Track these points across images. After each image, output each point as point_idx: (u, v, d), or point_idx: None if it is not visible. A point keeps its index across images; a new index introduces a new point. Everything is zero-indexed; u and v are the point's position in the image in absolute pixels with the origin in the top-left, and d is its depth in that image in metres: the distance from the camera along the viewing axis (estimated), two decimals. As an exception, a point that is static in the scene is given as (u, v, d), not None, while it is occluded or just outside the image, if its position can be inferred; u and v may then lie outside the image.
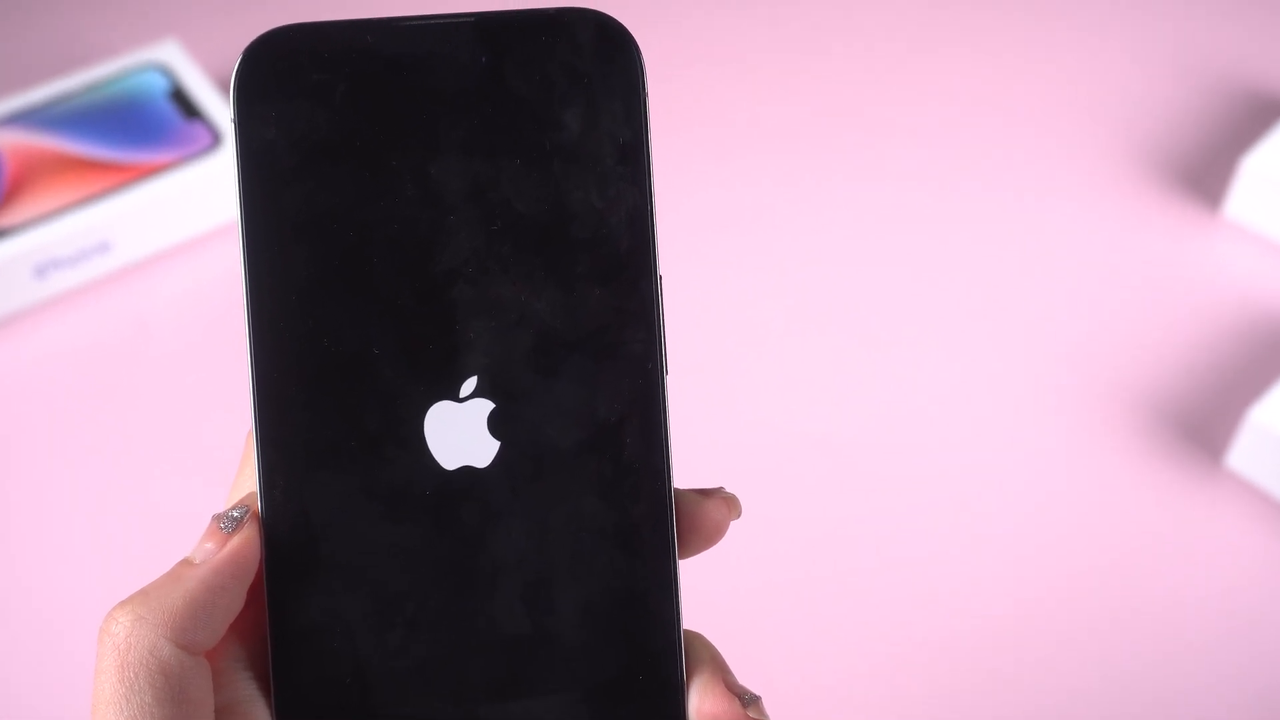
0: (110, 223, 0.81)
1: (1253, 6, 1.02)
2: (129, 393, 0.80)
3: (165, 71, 0.89)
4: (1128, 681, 0.68)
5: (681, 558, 0.36)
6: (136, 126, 0.86)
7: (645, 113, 0.35)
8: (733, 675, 0.36)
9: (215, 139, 0.85)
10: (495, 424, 0.35)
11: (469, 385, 0.35)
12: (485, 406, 0.35)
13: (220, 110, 0.86)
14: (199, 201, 0.85)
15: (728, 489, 0.37)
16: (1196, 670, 0.68)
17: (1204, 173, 0.90)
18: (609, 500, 0.35)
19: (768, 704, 0.35)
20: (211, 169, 0.84)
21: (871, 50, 0.99)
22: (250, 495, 0.35)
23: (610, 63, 0.35)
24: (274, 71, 0.35)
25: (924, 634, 0.70)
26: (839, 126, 0.94)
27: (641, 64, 0.35)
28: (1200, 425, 0.76)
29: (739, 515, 0.37)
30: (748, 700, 0.35)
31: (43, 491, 0.75)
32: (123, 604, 0.32)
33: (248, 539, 0.34)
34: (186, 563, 0.33)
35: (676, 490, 0.36)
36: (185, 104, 0.87)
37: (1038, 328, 0.82)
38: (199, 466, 0.75)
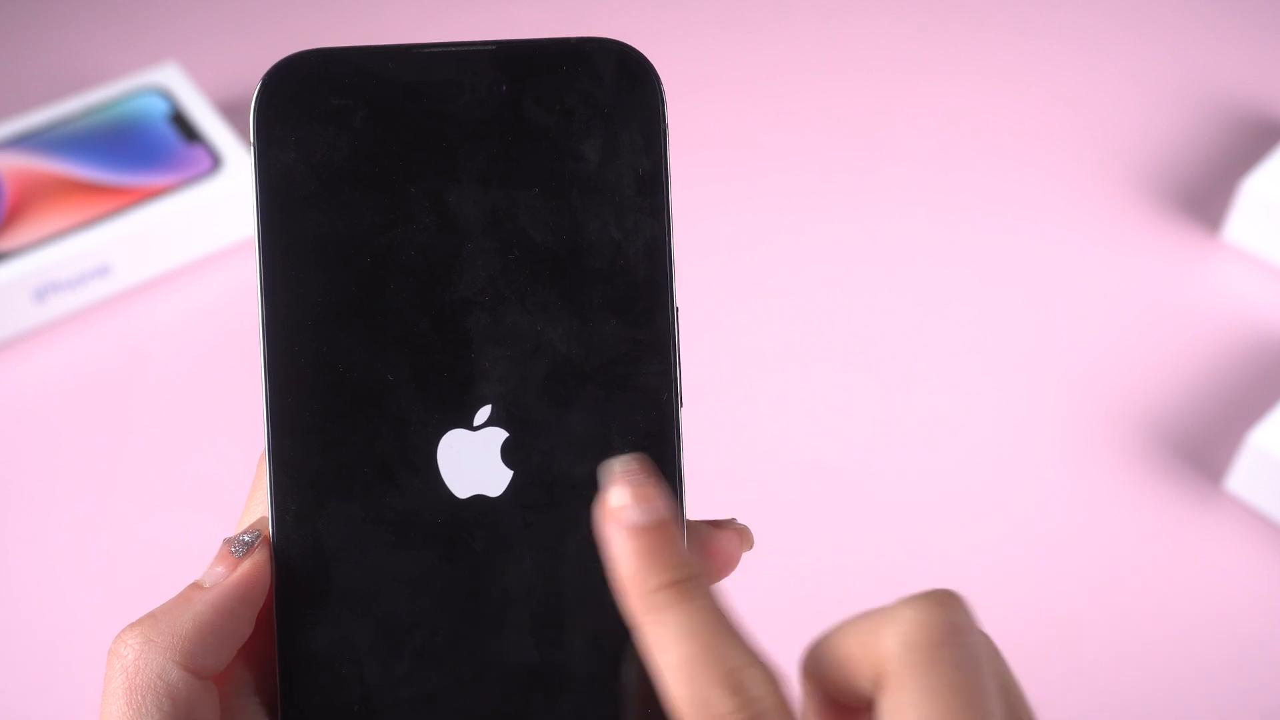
0: (110, 246, 0.81)
1: (1252, 30, 1.03)
2: (127, 417, 0.79)
3: (165, 94, 0.89)
4: (1127, 706, 0.68)
5: None
6: (136, 150, 0.86)
7: (666, 144, 0.35)
8: None
9: (215, 162, 0.85)
10: (509, 453, 0.35)
11: (483, 414, 0.35)
12: (499, 435, 0.35)
13: (220, 133, 0.87)
14: (199, 225, 0.85)
15: (740, 520, 0.37)
16: (1197, 695, 0.68)
17: (1204, 196, 0.90)
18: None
19: None
20: (211, 193, 0.84)
21: (875, 76, 1.00)
22: (261, 520, 0.35)
23: (631, 94, 0.35)
24: (293, 96, 0.35)
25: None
26: (844, 152, 0.94)
27: (662, 95, 0.35)
28: (1200, 448, 0.76)
29: (751, 547, 0.36)
30: None
31: (40, 515, 0.75)
32: (132, 626, 0.32)
33: (258, 564, 0.34)
34: (196, 586, 0.33)
35: (689, 522, 0.36)
36: (185, 127, 0.87)
37: (1038, 351, 0.82)
38: (196, 492, 0.75)
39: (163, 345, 0.83)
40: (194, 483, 0.76)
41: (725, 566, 0.36)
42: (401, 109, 0.35)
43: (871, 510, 0.75)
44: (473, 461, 0.35)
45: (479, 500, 0.35)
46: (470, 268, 0.35)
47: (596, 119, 0.35)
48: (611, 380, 0.35)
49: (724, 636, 0.29)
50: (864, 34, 1.03)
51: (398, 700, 0.35)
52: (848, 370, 0.82)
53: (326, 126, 0.35)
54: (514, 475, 0.35)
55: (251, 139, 0.35)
